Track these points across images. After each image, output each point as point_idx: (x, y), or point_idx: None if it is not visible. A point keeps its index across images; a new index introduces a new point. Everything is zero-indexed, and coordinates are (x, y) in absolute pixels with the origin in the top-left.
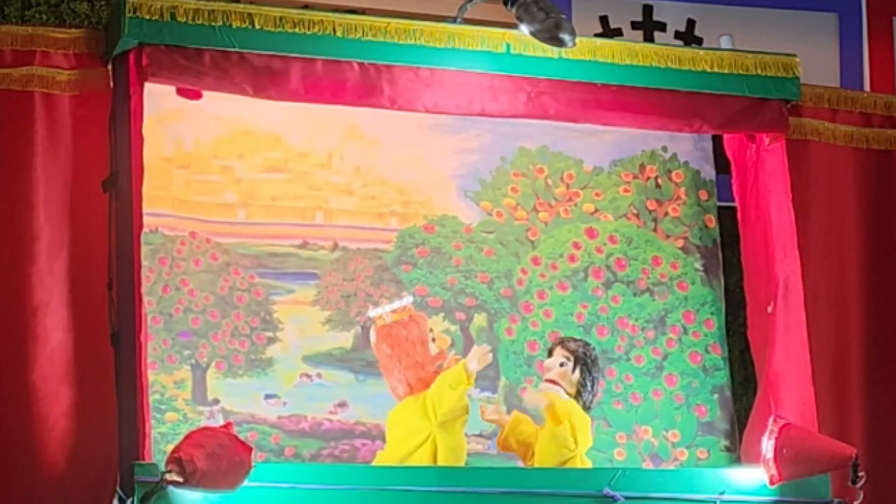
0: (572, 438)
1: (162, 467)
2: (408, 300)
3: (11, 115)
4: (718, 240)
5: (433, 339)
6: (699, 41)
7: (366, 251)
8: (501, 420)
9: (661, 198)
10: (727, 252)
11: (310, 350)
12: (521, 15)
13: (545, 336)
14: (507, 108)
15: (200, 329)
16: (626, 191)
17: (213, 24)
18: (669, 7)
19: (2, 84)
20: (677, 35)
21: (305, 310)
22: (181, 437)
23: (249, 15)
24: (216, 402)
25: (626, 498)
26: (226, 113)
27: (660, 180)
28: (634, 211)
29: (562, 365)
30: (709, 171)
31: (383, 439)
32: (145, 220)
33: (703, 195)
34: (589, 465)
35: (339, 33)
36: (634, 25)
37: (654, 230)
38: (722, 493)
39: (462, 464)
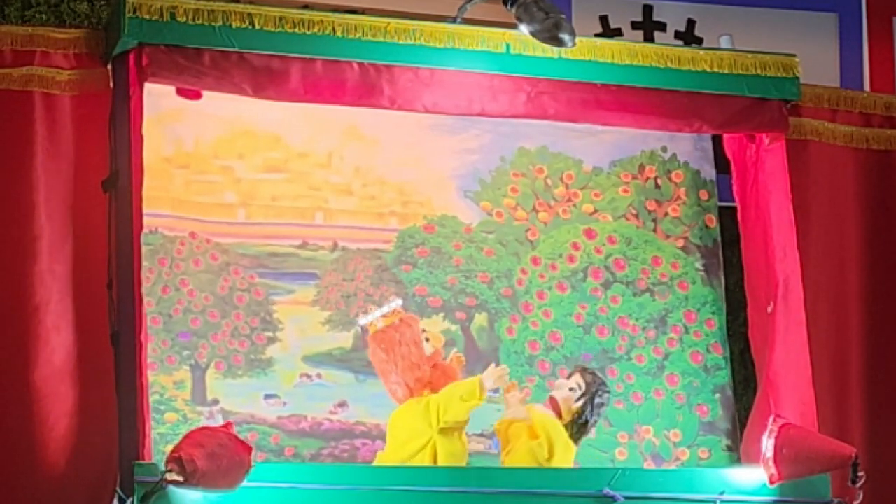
0: (547, 455)
1: (162, 467)
2: (396, 303)
3: (11, 115)
4: (719, 239)
5: (427, 339)
6: (699, 41)
7: (366, 251)
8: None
9: (661, 198)
10: (727, 252)
11: (310, 350)
12: (521, 15)
13: (545, 336)
14: (507, 108)
15: (200, 329)
16: (625, 191)
17: (213, 24)
18: (669, 7)
19: (2, 84)
20: (677, 35)
21: (305, 310)
22: (181, 437)
23: (249, 15)
24: (216, 402)
25: (626, 498)
26: (226, 113)
27: (659, 181)
28: (633, 211)
29: (571, 390)
30: (709, 171)
31: (383, 439)
32: (145, 220)
33: (704, 195)
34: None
35: (338, 33)
36: (634, 25)
37: (654, 230)
38: (722, 493)
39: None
